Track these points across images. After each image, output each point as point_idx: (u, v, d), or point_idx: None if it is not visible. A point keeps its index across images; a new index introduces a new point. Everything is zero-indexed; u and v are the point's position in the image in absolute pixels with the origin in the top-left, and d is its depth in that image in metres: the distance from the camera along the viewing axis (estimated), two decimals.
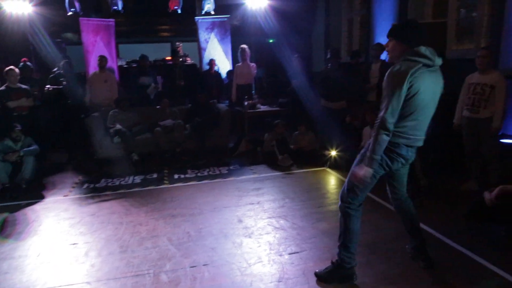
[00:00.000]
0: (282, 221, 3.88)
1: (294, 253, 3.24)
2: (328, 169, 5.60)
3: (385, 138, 2.43)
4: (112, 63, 8.29)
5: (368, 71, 6.17)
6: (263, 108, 6.94)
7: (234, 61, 8.42)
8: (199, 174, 5.61)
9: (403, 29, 2.54)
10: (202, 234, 3.66)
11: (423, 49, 2.42)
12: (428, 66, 2.43)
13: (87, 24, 7.91)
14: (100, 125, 6.32)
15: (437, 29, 6.11)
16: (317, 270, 2.86)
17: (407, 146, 2.56)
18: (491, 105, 4.18)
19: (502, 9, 5.29)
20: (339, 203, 2.75)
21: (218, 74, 8.33)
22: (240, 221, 3.94)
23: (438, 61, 2.50)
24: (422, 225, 3.66)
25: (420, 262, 2.93)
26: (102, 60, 6.95)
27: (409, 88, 2.37)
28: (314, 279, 2.83)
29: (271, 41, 10.27)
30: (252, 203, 4.41)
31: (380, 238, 3.46)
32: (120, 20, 9.56)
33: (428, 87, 2.45)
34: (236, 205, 4.38)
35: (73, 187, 5.22)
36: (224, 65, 8.77)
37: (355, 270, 2.77)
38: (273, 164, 5.90)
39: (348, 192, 2.67)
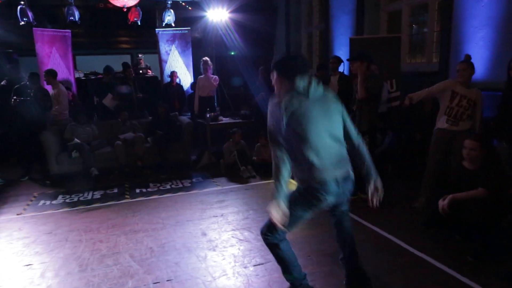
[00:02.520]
0: (246, 233, 3.89)
1: (259, 264, 3.24)
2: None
3: None
4: (70, 76, 8.05)
5: (328, 83, 6.35)
6: (225, 120, 6.96)
7: (196, 73, 8.42)
8: (161, 188, 5.52)
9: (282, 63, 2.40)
10: (165, 249, 3.59)
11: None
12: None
13: (42, 35, 7.64)
14: (57, 140, 6.09)
15: (392, 43, 6.41)
16: None
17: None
18: (468, 119, 4.08)
19: (449, 25, 5.64)
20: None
21: (179, 86, 8.29)
22: (204, 234, 3.90)
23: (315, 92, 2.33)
24: (381, 231, 3.80)
25: (345, 276, 2.85)
26: (47, 74, 6.53)
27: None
28: None
29: (232, 53, 10.36)
30: (216, 216, 4.39)
31: None
32: (78, 31, 9.33)
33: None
34: (199, 218, 4.34)
35: (28, 205, 4.98)
36: (185, 77, 8.75)
37: (309, 283, 2.73)
38: (236, 176, 5.90)
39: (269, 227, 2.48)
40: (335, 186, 2.34)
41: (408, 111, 5.66)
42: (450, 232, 3.64)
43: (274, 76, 2.40)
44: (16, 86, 6.26)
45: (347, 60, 4.63)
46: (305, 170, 2.34)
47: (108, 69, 7.59)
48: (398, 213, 4.33)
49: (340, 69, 6.26)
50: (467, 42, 5.36)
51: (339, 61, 6.21)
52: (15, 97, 6.10)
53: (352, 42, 6.66)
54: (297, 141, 2.29)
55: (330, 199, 2.36)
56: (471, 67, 4.08)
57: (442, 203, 3.33)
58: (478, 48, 5.19)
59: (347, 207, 2.75)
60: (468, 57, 4.14)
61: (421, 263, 3.21)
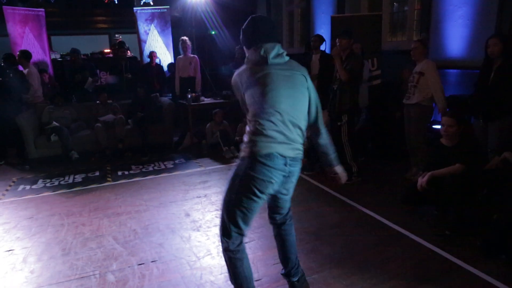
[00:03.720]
0: None
1: None
2: None
3: None
4: (45, 57, 7.80)
5: (309, 61, 6.34)
6: (207, 100, 6.90)
7: (176, 53, 8.27)
8: (143, 170, 5.49)
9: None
10: (149, 230, 3.59)
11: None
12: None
13: (13, 14, 7.34)
14: (34, 123, 5.94)
15: (373, 22, 6.40)
16: None
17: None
18: (419, 92, 4.38)
19: (430, 3, 5.67)
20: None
21: (159, 66, 8.14)
22: (187, 215, 3.92)
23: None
24: (360, 207, 3.89)
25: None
26: (19, 55, 6.36)
27: None
28: (264, 267, 2.90)
29: (213, 32, 10.20)
30: (199, 196, 4.40)
31: (324, 224, 3.61)
32: (52, 10, 9.02)
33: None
34: (182, 199, 4.34)
35: (7, 190, 4.88)
36: (165, 58, 8.60)
37: None
38: (219, 156, 5.90)
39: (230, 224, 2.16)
40: (282, 163, 2.09)
41: (388, 90, 5.73)
42: (428, 208, 3.76)
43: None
44: None
45: (337, 36, 4.56)
46: (252, 139, 2.09)
47: (74, 51, 7.36)
48: (378, 190, 4.43)
49: (322, 48, 6.25)
50: (447, 21, 5.41)
51: (321, 39, 6.19)
52: None
53: (334, 21, 6.63)
54: (253, 106, 2.12)
55: (275, 179, 2.09)
56: (423, 45, 4.47)
57: (421, 180, 3.42)
58: (457, 26, 5.24)
59: (289, 213, 2.47)
60: (424, 37, 4.32)
61: (401, 237, 3.31)
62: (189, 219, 3.82)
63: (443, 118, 3.54)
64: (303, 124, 2.21)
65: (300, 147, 2.20)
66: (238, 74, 2.21)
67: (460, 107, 4.42)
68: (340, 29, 4.92)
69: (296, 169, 2.23)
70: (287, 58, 2.21)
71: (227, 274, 2.81)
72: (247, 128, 2.18)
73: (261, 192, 2.10)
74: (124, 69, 7.33)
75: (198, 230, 3.57)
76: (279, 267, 2.63)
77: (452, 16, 5.33)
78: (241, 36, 2.26)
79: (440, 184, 3.37)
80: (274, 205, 2.41)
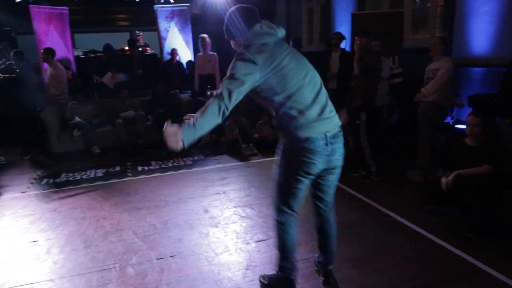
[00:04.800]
0: (248, 210, 3.93)
1: (260, 241, 3.29)
2: None
3: None
4: (68, 54, 7.97)
5: (329, 59, 6.28)
6: None
7: (195, 50, 8.32)
8: (163, 166, 5.55)
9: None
10: (168, 226, 3.64)
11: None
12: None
13: (38, 12, 7.51)
14: (58, 119, 6.08)
15: (395, 19, 6.30)
16: (262, 274, 2.71)
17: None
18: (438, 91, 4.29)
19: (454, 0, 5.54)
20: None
21: (180, 64, 8.21)
22: (206, 211, 3.95)
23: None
24: (381, 208, 3.84)
25: (321, 276, 2.68)
26: (45, 53, 6.44)
27: None
28: None
29: None
30: (218, 193, 4.42)
31: (342, 223, 3.55)
32: (75, 8, 9.18)
33: None
34: (201, 195, 4.38)
35: (32, 183, 5.02)
36: (185, 55, 8.65)
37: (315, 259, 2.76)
38: (238, 153, 5.92)
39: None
40: (323, 144, 2.14)
41: (410, 88, 5.63)
42: (450, 209, 3.68)
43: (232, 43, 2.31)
44: (1, 66, 6.20)
45: (357, 35, 4.53)
46: (288, 124, 2.14)
47: (107, 47, 7.51)
48: (399, 190, 4.36)
49: (342, 45, 6.19)
50: (472, 17, 5.28)
51: (341, 37, 6.13)
52: (0, 75, 6.06)
53: (354, 18, 6.56)
54: (275, 91, 2.11)
55: (318, 159, 2.15)
56: (442, 42, 4.34)
57: (446, 179, 3.34)
58: (483, 22, 5.11)
59: (332, 202, 2.51)
60: (445, 35, 4.22)
61: (421, 238, 3.26)
62: (208, 215, 3.85)
63: (467, 118, 3.45)
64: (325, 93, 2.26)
65: (337, 119, 2.24)
66: (241, 56, 2.11)
67: (485, 106, 4.31)
68: (359, 27, 4.86)
69: (339, 146, 2.24)
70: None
71: (244, 271, 2.84)
72: (277, 112, 2.18)
73: (307, 173, 2.19)
74: (135, 65, 7.41)
75: (217, 227, 3.59)
76: (303, 264, 2.63)
77: (477, 12, 5.19)
78: (235, 24, 2.22)
79: (464, 185, 3.29)
80: (319, 191, 2.42)
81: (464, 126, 3.64)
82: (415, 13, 6.82)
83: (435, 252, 3.03)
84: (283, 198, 2.33)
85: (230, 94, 2.03)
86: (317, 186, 2.40)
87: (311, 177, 2.24)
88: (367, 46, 4.46)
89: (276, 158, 2.34)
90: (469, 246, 3.06)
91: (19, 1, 7.66)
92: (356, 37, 4.50)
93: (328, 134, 2.15)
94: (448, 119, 5.52)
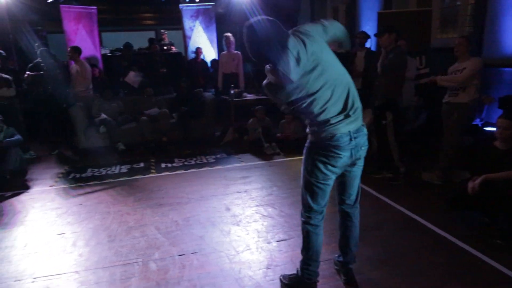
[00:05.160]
0: (270, 209, 3.92)
1: (282, 240, 3.28)
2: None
3: None
4: (96, 52, 8.15)
5: (354, 59, 6.21)
6: (249, 96, 6.93)
7: (220, 49, 8.36)
8: (186, 163, 5.61)
9: None
10: (190, 222, 3.67)
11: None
12: None
13: (68, 12, 7.72)
14: (84, 115, 6.23)
15: (422, 18, 6.16)
16: (282, 274, 2.73)
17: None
18: (469, 89, 4.16)
19: None
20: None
21: (204, 62, 8.27)
22: (227, 209, 3.96)
23: None
24: (405, 211, 3.76)
25: (342, 275, 2.69)
26: (72, 51, 6.54)
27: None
28: None
29: None
30: (240, 192, 4.44)
31: (365, 225, 3.49)
32: (103, 7, 9.39)
33: None
34: (223, 193, 4.40)
35: (59, 177, 5.17)
36: (209, 54, 8.72)
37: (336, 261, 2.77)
38: (260, 152, 5.92)
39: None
40: (347, 140, 2.20)
41: (437, 89, 5.49)
42: (477, 214, 3.56)
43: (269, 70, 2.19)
44: (30, 65, 6.40)
45: (375, 35, 4.47)
46: (314, 123, 2.23)
47: (127, 46, 7.65)
48: (424, 193, 4.26)
49: (367, 45, 6.10)
50: (505, 15, 5.10)
51: (366, 36, 6.05)
52: (28, 73, 6.25)
53: (380, 17, 6.45)
54: (305, 90, 2.12)
55: (343, 153, 2.21)
56: (467, 42, 4.21)
57: (473, 183, 3.24)
58: None
59: (358, 200, 2.54)
60: (469, 33, 4.08)
61: (446, 243, 3.17)
62: (229, 213, 3.87)
63: (498, 120, 3.34)
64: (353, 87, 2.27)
65: (360, 114, 2.26)
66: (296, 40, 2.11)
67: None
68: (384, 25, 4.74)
69: (363, 138, 2.28)
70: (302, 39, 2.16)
71: (265, 270, 2.84)
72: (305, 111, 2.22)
73: (333, 166, 2.25)
74: (159, 64, 7.51)
75: (238, 225, 3.60)
76: (325, 265, 2.63)
77: (510, 9, 5.01)
78: (263, 40, 2.06)
79: (492, 189, 3.18)
80: (343, 186, 2.47)
81: (494, 129, 3.53)
82: (444, 12, 6.65)
83: (462, 259, 2.94)
84: (312, 196, 2.36)
85: None
86: (341, 178, 2.44)
87: (337, 170, 2.29)
88: (391, 44, 4.34)
89: (303, 158, 2.37)
90: (498, 252, 2.96)
91: (50, 1, 7.88)
92: (376, 38, 4.43)
93: (351, 130, 2.21)
94: (477, 121, 5.36)
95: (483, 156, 3.51)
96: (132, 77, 7.38)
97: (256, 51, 2.12)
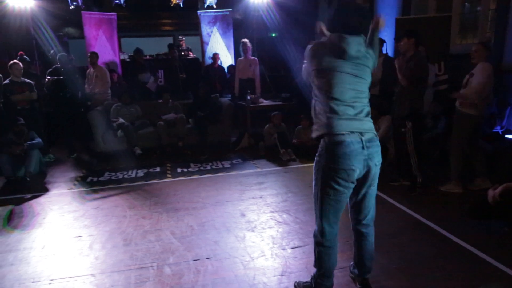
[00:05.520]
0: (285, 216, 3.90)
1: (297, 247, 3.26)
2: None
3: None
4: (115, 57, 8.30)
5: None
6: (265, 102, 6.94)
7: (236, 55, 8.41)
8: (201, 168, 5.63)
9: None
10: (205, 227, 3.68)
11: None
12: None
13: (89, 18, 7.90)
14: (103, 119, 6.33)
15: (441, 24, 6.08)
16: (297, 281, 2.72)
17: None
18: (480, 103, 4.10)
19: (508, 2, 5.26)
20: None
21: (221, 68, 8.33)
22: (243, 215, 3.96)
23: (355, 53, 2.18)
24: (421, 218, 3.69)
25: (358, 284, 2.63)
26: (91, 56, 6.95)
27: None
28: None
29: (273, 35, 10.25)
30: (255, 197, 4.43)
31: (381, 233, 3.45)
32: (122, 14, 9.57)
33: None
34: (238, 199, 4.40)
35: (77, 181, 5.25)
36: (226, 59, 8.78)
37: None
38: (276, 158, 5.91)
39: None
40: (359, 147, 2.12)
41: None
42: (497, 223, 3.48)
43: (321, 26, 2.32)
44: (49, 70, 6.53)
45: (394, 40, 4.40)
46: (324, 131, 2.18)
47: (137, 51, 7.77)
48: (441, 201, 4.18)
49: (383, 50, 6.04)
50: None
51: (381, 42, 5.99)
52: (48, 77, 6.38)
53: (399, 23, 6.39)
54: (320, 88, 2.21)
55: (356, 164, 2.12)
56: (485, 48, 4.14)
57: (493, 192, 3.17)
58: None
59: (373, 216, 2.44)
60: (487, 38, 3.98)
61: (465, 252, 3.10)
62: (244, 219, 3.86)
63: None
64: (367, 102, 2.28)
65: (371, 125, 2.24)
66: (317, 47, 2.23)
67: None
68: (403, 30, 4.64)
69: (376, 150, 2.21)
70: (364, 50, 2.21)
71: (280, 277, 2.82)
72: (317, 118, 2.24)
73: (346, 181, 2.15)
74: (178, 70, 7.59)
75: (253, 231, 3.59)
76: (339, 272, 2.63)
77: None
78: (327, 16, 2.29)
79: None
80: (359, 207, 2.38)
81: None
82: (464, 17, 6.55)
83: (483, 270, 2.87)
84: (322, 212, 2.27)
85: None
86: (356, 198, 2.35)
87: (351, 185, 2.20)
88: (411, 49, 4.23)
89: (313, 170, 2.29)
90: None
91: (72, 8, 8.07)
92: (400, 40, 4.29)
93: (363, 138, 2.14)
94: (497, 129, 5.24)
95: (505, 164, 3.43)
96: (152, 83, 7.50)
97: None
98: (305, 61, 2.32)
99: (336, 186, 2.16)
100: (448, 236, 3.36)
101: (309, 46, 2.26)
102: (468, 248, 3.15)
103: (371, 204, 2.38)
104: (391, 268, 2.91)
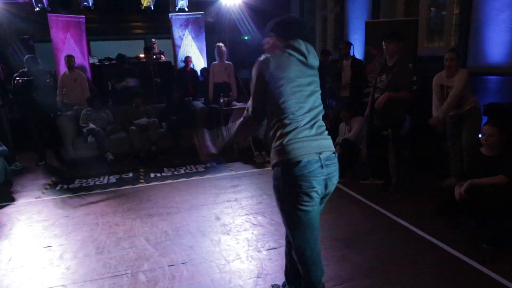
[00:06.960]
0: (260, 218, 3.91)
1: (272, 248, 3.27)
2: None
3: None
4: (84, 61, 8.10)
5: (341, 69, 6.26)
6: (239, 105, 6.94)
7: (209, 58, 8.38)
8: (175, 173, 5.58)
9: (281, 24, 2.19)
10: (180, 232, 3.64)
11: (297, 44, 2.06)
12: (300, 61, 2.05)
13: (56, 21, 7.68)
14: (72, 125, 6.17)
15: (409, 27, 6.26)
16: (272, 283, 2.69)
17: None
18: (466, 98, 4.25)
19: (469, 8, 5.48)
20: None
21: (194, 71, 8.27)
22: (217, 218, 3.94)
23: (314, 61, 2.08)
24: (393, 217, 3.78)
25: None
26: (70, 59, 6.77)
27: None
28: None
29: (246, 38, 10.28)
30: (230, 200, 4.42)
31: (355, 232, 3.54)
32: (91, 16, 9.36)
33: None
34: (213, 202, 4.38)
35: (46, 189, 5.09)
36: (199, 63, 8.73)
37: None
38: (250, 161, 5.92)
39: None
40: (318, 166, 1.96)
41: (423, 96, 5.57)
42: (464, 219, 3.61)
43: (270, 39, 2.16)
44: (15, 74, 6.21)
45: (383, 39, 4.11)
46: (278, 145, 2.01)
47: (120, 57, 7.62)
48: (411, 199, 4.30)
49: (351, 52, 6.18)
50: (488, 25, 5.21)
51: (348, 45, 6.13)
52: (17, 79, 6.10)
53: (368, 26, 6.54)
54: (273, 104, 2.00)
55: (317, 187, 1.98)
56: (457, 57, 4.26)
57: (459, 189, 3.29)
58: (499, 31, 5.04)
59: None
60: (456, 45, 4.13)
61: (435, 248, 3.20)
62: (219, 222, 3.85)
63: (483, 127, 3.40)
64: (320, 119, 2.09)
65: (330, 143, 2.08)
66: (260, 62, 2.07)
67: (502, 115, 4.23)
68: (392, 31, 4.26)
69: (335, 170, 2.07)
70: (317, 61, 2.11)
71: (256, 279, 2.82)
72: (273, 133, 2.08)
73: (311, 201, 2.00)
74: (152, 74, 7.48)
75: (228, 234, 3.58)
76: None
77: (494, 20, 5.13)
78: (274, 26, 2.17)
79: (480, 195, 3.22)
80: None
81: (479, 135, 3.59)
82: (430, 21, 6.77)
83: (451, 264, 2.97)
84: (299, 234, 2.10)
85: None
86: None
87: (317, 201, 2.04)
88: (396, 55, 4.06)
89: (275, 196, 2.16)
90: (485, 257, 3.00)
91: (38, 10, 7.83)
92: (384, 42, 4.11)
93: (322, 157, 1.98)
94: None
95: (471, 162, 3.57)
96: (121, 85, 7.34)
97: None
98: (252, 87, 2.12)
99: (304, 208, 2.01)
100: (419, 233, 3.45)
101: (262, 59, 2.08)
102: (438, 244, 3.25)
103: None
104: (365, 266, 2.96)
